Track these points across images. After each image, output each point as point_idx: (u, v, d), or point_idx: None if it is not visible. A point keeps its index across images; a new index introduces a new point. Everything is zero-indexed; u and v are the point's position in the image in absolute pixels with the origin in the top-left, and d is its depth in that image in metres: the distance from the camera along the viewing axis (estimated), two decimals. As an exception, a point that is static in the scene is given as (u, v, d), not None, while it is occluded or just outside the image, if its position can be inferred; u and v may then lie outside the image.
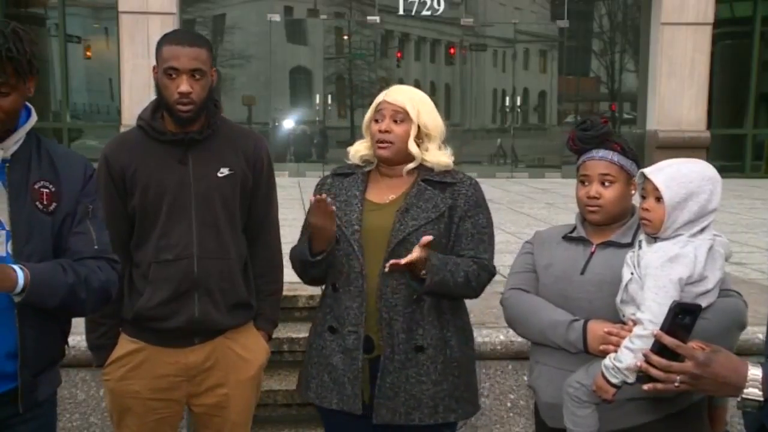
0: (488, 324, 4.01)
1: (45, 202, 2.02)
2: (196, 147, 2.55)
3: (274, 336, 2.86)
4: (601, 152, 2.29)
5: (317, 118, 14.37)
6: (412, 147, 2.51)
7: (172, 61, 2.45)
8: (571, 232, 2.39)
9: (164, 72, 2.47)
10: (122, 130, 8.18)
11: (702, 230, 2.09)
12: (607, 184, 2.27)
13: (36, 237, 2.00)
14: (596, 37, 15.98)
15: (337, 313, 2.52)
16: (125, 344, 2.62)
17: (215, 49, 14.13)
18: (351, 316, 2.48)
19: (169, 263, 2.52)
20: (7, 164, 2.01)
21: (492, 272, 2.55)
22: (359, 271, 2.46)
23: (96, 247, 2.09)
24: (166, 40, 2.51)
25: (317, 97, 14.31)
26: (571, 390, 2.19)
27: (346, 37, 14.75)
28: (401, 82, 14.50)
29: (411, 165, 2.55)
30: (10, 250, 1.97)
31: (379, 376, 2.47)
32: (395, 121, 2.51)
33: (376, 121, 2.55)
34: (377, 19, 13.89)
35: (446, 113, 15.04)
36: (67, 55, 13.49)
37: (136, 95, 11.72)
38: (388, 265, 2.37)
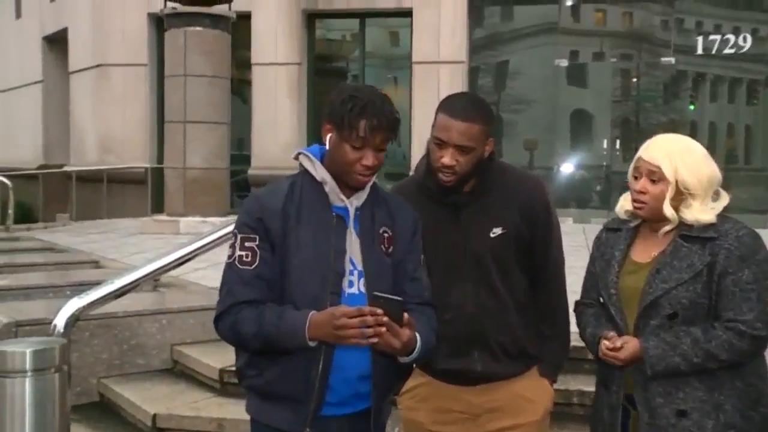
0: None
1: (386, 245, 2.26)
2: (470, 206, 2.56)
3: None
4: None
5: (603, 163, 13.97)
6: (667, 210, 2.38)
7: (441, 132, 2.45)
8: None
9: (433, 138, 2.50)
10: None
11: None
12: None
13: (383, 277, 2.23)
14: None
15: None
16: (416, 377, 2.71)
17: (498, 95, 14.48)
18: (616, 375, 2.48)
19: (447, 322, 2.54)
20: (358, 212, 2.26)
21: (755, 335, 2.29)
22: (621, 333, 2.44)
23: (426, 293, 2.32)
24: (443, 106, 2.50)
25: (603, 141, 13.93)
26: None
27: (634, 80, 14.23)
28: (694, 125, 13.67)
29: (666, 228, 2.43)
30: (363, 289, 2.21)
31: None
32: (652, 181, 2.40)
33: (636, 178, 2.46)
34: (672, 60, 13.24)
35: (746, 157, 13.87)
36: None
37: (425, 143, 12.20)
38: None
